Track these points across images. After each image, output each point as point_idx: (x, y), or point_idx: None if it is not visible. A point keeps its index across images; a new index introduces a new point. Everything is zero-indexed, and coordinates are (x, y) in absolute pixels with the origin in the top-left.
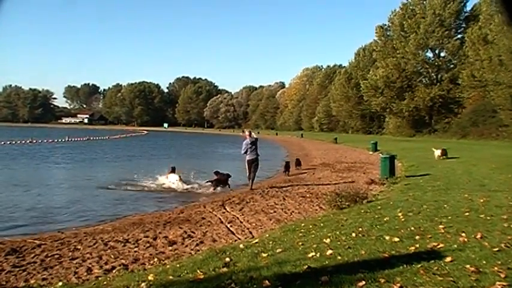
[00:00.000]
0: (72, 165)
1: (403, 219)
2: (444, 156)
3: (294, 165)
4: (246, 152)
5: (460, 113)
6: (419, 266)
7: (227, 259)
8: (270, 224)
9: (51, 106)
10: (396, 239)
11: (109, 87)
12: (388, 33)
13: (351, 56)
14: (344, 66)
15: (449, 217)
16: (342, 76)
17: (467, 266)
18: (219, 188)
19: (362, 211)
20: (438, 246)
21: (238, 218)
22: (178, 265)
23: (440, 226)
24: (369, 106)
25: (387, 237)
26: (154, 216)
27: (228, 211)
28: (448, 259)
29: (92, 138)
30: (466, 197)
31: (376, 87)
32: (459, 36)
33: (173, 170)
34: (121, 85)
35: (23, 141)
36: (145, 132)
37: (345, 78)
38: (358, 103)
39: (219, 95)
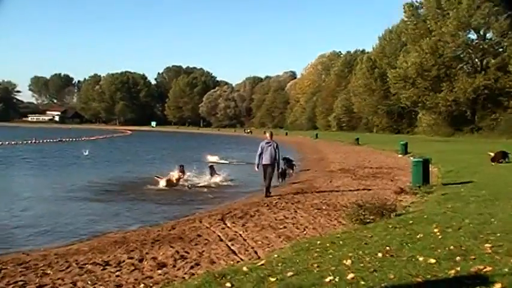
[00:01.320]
0: (41, 172)
1: (440, 237)
2: (503, 161)
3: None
4: (259, 156)
5: (510, 107)
6: None
7: (228, 284)
8: (279, 242)
9: (14, 101)
10: (432, 261)
11: (85, 79)
12: (419, 12)
13: (374, 40)
14: (367, 52)
15: (498, 234)
16: (365, 64)
17: None
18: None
19: (390, 226)
20: (484, 270)
21: (240, 234)
22: None
23: (487, 245)
24: (397, 100)
25: (421, 258)
26: (140, 233)
27: (228, 226)
28: (498, 286)
29: (64, 139)
30: None
31: (406, 76)
32: (510, 12)
33: (182, 169)
34: (99, 76)
35: None
36: (129, 132)
37: (368, 66)
38: (385, 97)
39: (217, 88)
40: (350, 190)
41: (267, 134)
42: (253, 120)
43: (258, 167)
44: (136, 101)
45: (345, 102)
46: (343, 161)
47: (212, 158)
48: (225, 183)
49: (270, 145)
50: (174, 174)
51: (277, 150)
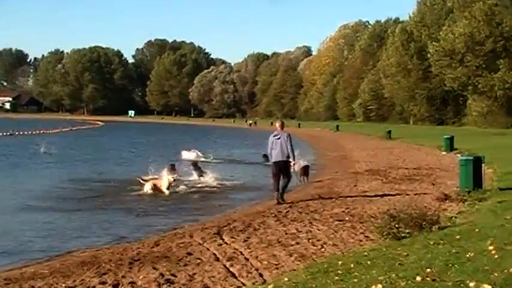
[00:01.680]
0: None
1: (496, 256)
2: None
3: (299, 173)
4: (270, 152)
5: None
6: None
7: None
8: (291, 261)
9: None
10: (487, 287)
11: (43, 56)
12: None
13: (411, 6)
14: (401, 22)
15: None
16: (399, 37)
17: None
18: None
19: (431, 242)
20: None
21: (242, 252)
22: None
23: None
24: (440, 82)
25: (472, 284)
26: (115, 251)
27: (226, 242)
28: None
29: (17, 132)
30: None
31: (452, 51)
32: None
33: (172, 168)
34: (62, 52)
35: None
36: (101, 123)
37: (402, 40)
38: (424, 78)
39: (212, 68)
40: (380, 196)
41: (277, 124)
42: (257, 108)
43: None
44: (109, 84)
45: (373, 85)
46: (371, 160)
47: (189, 155)
48: (220, 186)
49: (279, 137)
50: (164, 180)
51: (289, 142)
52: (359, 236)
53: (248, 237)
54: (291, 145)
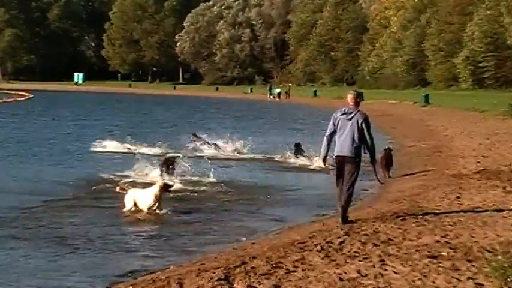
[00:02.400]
0: None
1: None
2: None
3: (380, 166)
4: (330, 139)
5: None
6: None
7: None
8: None
9: None
10: None
11: None
12: None
13: None
14: None
15: None
16: None
17: None
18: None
19: None
20: None
21: None
22: None
23: None
24: None
25: None
26: None
27: None
28: None
29: None
30: None
31: None
32: None
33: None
34: None
35: None
36: (28, 95)
37: None
38: None
39: (213, 1)
40: (502, 215)
41: (349, 97)
42: (290, 68)
43: (325, 161)
44: (41, 28)
45: (489, 25)
46: (486, 154)
47: (109, 144)
48: (223, 197)
49: (352, 117)
50: (144, 193)
51: (365, 129)
52: (466, 283)
53: (277, 285)
54: (370, 134)
